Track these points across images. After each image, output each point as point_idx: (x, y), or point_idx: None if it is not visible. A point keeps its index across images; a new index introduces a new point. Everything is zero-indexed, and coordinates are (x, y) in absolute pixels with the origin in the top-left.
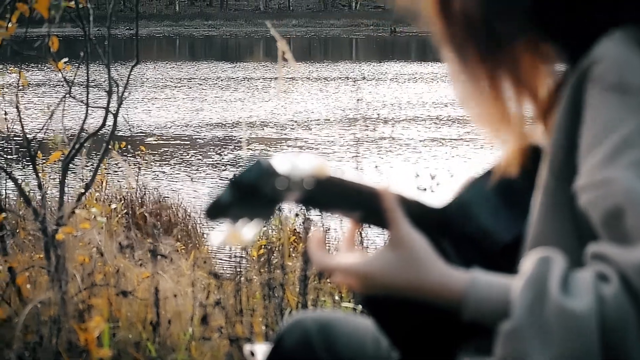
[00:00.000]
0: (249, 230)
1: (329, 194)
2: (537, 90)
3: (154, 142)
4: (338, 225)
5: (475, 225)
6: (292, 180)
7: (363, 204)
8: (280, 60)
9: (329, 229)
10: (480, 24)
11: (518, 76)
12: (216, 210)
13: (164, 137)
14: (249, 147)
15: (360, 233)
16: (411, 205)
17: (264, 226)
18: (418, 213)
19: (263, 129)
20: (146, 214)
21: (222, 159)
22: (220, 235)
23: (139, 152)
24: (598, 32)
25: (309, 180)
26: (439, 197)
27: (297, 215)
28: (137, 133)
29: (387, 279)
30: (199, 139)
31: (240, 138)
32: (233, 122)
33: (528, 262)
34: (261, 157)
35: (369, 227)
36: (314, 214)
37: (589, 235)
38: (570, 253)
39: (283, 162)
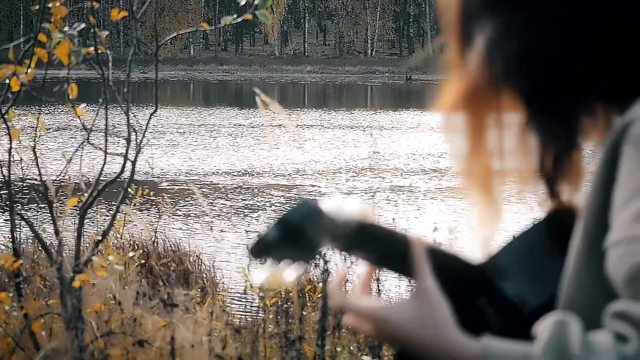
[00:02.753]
0: (290, 273)
1: (366, 241)
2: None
3: (168, 188)
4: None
5: (505, 290)
6: (337, 223)
7: (396, 253)
8: (264, 112)
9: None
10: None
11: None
12: (261, 249)
13: (177, 183)
14: (261, 194)
15: (377, 279)
16: (448, 260)
17: (306, 270)
18: (455, 268)
19: (273, 177)
20: (162, 263)
21: (235, 205)
22: (262, 275)
23: (159, 198)
24: (634, 93)
25: (352, 225)
26: (473, 253)
27: (316, 266)
28: (151, 179)
29: (405, 330)
30: (210, 185)
31: (254, 185)
32: (244, 170)
33: (543, 327)
34: (308, 198)
35: (399, 276)
36: (335, 263)
37: (617, 296)
38: (601, 315)
39: (329, 205)
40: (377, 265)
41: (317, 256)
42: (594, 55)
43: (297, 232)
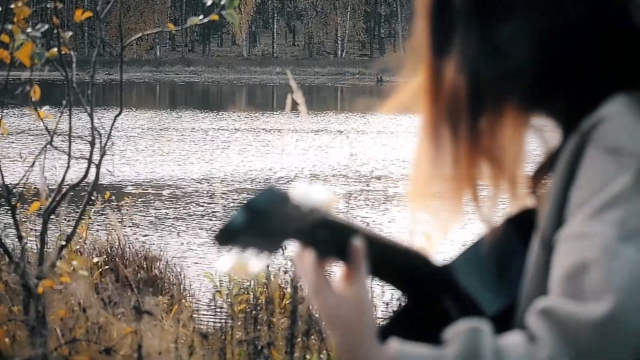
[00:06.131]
0: (256, 262)
1: (327, 235)
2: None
3: (134, 192)
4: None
5: (469, 292)
6: (302, 209)
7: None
8: (288, 111)
9: None
10: (485, 100)
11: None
12: (227, 236)
13: (143, 188)
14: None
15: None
16: (415, 259)
17: (271, 260)
18: (422, 268)
19: (243, 183)
20: (129, 269)
21: (202, 210)
22: (227, 263)
23: (123, 203)
24: (598, 97)
25: (317, 216)
26: (441, 254)
27: (285, 272)
28: (117, 183)
29: (333, 325)
30: (178, 190)
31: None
32: (212, 175)
33: (454, 334)
34: (275, 185)
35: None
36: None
37: None
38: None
39: (296, 191)
40: (338, 261)
41: (282, 246)
42: (591, 58)
43: (262, 217)
